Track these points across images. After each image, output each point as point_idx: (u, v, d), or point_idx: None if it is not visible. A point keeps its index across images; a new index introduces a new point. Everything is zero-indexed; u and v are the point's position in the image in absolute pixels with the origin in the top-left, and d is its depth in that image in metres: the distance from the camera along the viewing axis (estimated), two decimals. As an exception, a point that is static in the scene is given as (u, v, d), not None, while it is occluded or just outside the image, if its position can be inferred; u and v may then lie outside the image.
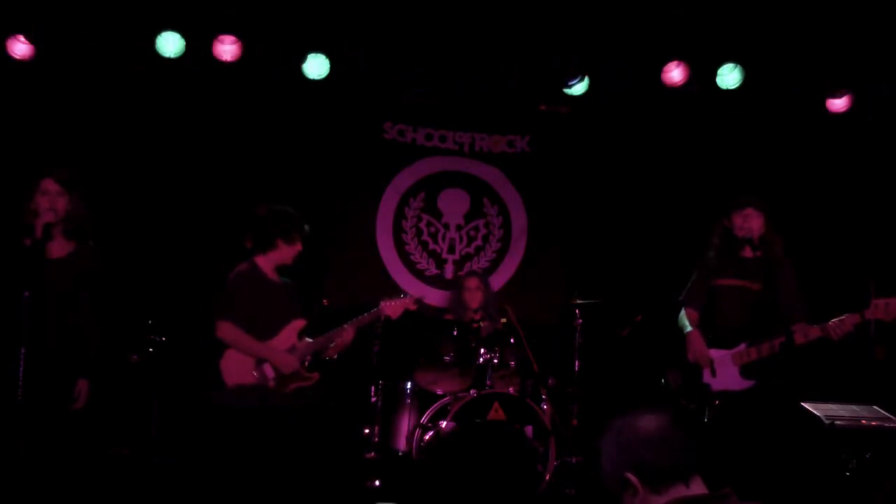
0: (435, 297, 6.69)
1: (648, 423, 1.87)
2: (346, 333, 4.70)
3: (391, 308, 4.90)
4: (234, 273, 4.56)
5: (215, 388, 4.35)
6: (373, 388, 5.47)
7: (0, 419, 3.78)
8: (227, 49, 5.84)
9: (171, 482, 5.04)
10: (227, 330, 4.41)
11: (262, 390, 4.38)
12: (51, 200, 4.00)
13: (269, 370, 4.46)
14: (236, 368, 4.40)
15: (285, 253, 4.64)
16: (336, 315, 5.43)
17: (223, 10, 5.77)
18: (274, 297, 4.58)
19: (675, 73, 6.06)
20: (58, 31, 5.61)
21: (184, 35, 5.74)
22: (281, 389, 4.44)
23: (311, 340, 4.62)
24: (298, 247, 4.68)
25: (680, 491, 1.81)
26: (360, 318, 4.85)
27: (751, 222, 4.59)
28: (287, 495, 4.32)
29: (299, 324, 4.60)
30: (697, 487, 1.83)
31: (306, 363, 4.65)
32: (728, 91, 6.11)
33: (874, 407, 4.61)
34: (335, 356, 4.82)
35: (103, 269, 4.26)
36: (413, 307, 5.02)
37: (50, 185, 4.03)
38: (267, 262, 4.62)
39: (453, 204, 6.90)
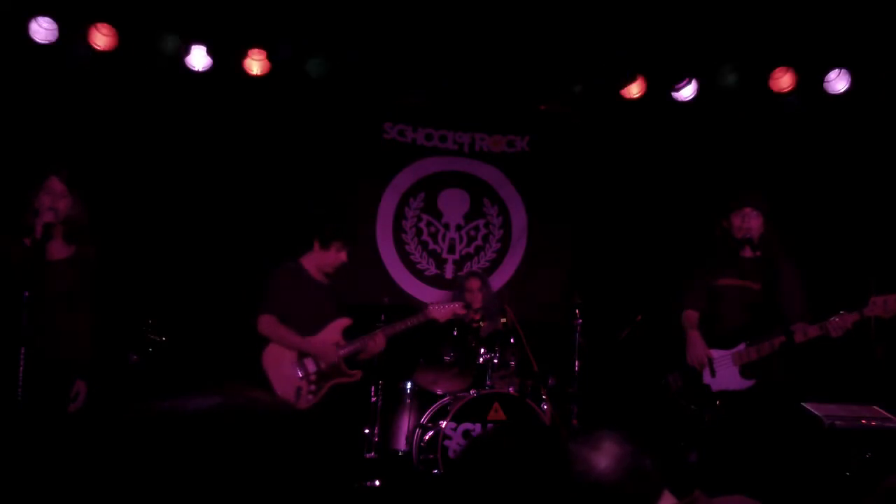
0: (435, 296, 6.68)
1: (604, 457, 1.72)
2: (377, 340, 4.67)
3: (440, 312, 4.86)
4: (277, 269, 4.59)
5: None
6: (373, 388, 5.47)
7: (0, 419, 3.77)
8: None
9: (171, 482, 5.03)
10: (267, 324, 4.42)
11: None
12: (52, 200, 3.98)
13: (310, 364, 4.47)
14: (280, 367, 4.40)
15: (321, 258, 4.62)
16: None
17: (223, 11, 5.78)
18: (317, 296, 4.58)
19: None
20: (57, 31, 5.62)
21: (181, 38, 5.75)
22: (321, 386, 4.45)
23: (355, 340, 4.61)
24: (341, 256, 4.63)
25: None
26: (405, 321, 4.81)
27: (749, 222, 4.58)
28: (286, 495, 4.31)
29: (344, 322, 4.61)
30: (667, 501, 1.78)
31: (361, 356, 4.64)
32: (727, 90, 6.12)
33: (874, 407, 4.60)
34: (367, 359, 4.79)
35: (102, 272, 4.24)
36: (462, 312, 5.01)
37: (55, 184, 4.01)
38: (309, 263, 4.63)
39: (453, 204, 6.89)
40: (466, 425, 5.07)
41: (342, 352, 4.58)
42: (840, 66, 5.89)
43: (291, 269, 4.61)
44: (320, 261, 4.64)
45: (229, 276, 6.03)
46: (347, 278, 6.59)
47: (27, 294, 3.72)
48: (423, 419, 5.31)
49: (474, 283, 5.94)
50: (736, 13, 5.71)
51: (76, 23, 5.61)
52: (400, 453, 5.44)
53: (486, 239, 6.91)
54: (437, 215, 6.88)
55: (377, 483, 5.21)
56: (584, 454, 1.74)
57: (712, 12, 5.74)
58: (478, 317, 5.66)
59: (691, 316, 4.73)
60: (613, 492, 1.71)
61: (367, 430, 5.43)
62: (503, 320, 5.69)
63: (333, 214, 4.73)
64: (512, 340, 5.46)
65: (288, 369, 4.43)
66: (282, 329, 4.44)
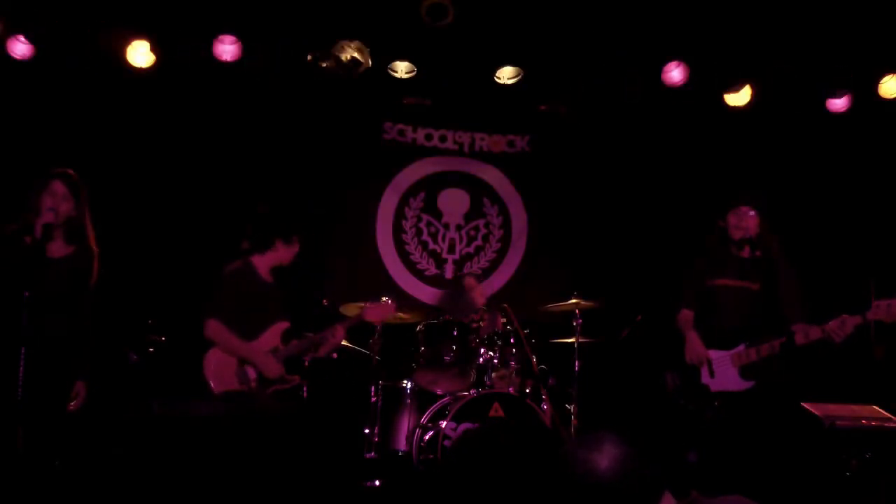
0: (435, 297, 6.69)
1: (605, 459, 1.73)
2: (338, 333, 4.68)
3: (372, 313, 4.85)
4: (226, 271, 4.54)
5: (198, 400, 4.30)
6: (373, 388, 5.47)
7: (0, 419, 3.77)
8: (226, 49, 5.85)
9: (170, 483, 5.03)
10: (214, 329, 4.39)
11: (247, 396, 4.35)
12: (54, 202, 3.98)
13: (251, 371, 4.44)
14: (220, 371, 4.38)
15: (283, 254, 4.62)
16: (336, 315, 5.43)
17: (223, 9, 5.78)
18: (265, 298, 4.55)
19: (674, 74, 6.06)
20: (57, 32, 5.62)
21: (184, 35, 5.74)
22: (262, 391, 4.42)
23: (296, 342, 4.59)
24: (295, 248, 4.66)
25: None
26: (351, 319, 4.85)
27: (747, 221, 4.55)
28: (286, 496, 4.31)
29: (283, 325, 4.57)
30: (667, 503, 1.78)
31: (319, 352, 4.63)
32: (727, 91, 6.12)
33: (874, 407, 4.60)
34: (323, 355, 4.80)
35: (102, 272, 4.23)
36: (395, 312, 4.98)
37: (58, 187, 4.01)
38: (263, 262, 4.60)
39: (453, 204, 6.90)
40: (466, 425, 5.06)
41: (293, 351, 4.55)
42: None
43: (242, 270, 4.55)
44: (280, 257, 4.61)
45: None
46: (347, 278, 6.64)
47: (27, 294, 3.72)
48: (423, 419, 5.31)
49: (477, 289, 5.97)
50: (736, 13, 5.72)
51: (77, 24, 5.62)
52: (400, 453, 5.43)
53: (486, 239, 6.91)
54: (437, 215, 6.89)
55: (377, 483, 5.21)
56: (585, 456, 1.74)
57: (713, 12, 5.74)
58: (478, 317, 5.66)
59: (687, 315, 4.71)
60: (614, 493, 1.70)
61: (367, 430, 5.42)
62: (503, 320, 5.69)
63: (282, 209, 4.70)
64: (512, 340, 5.46)
65: (229, 375, 4.39)
66: (228, 335, 4.39)
